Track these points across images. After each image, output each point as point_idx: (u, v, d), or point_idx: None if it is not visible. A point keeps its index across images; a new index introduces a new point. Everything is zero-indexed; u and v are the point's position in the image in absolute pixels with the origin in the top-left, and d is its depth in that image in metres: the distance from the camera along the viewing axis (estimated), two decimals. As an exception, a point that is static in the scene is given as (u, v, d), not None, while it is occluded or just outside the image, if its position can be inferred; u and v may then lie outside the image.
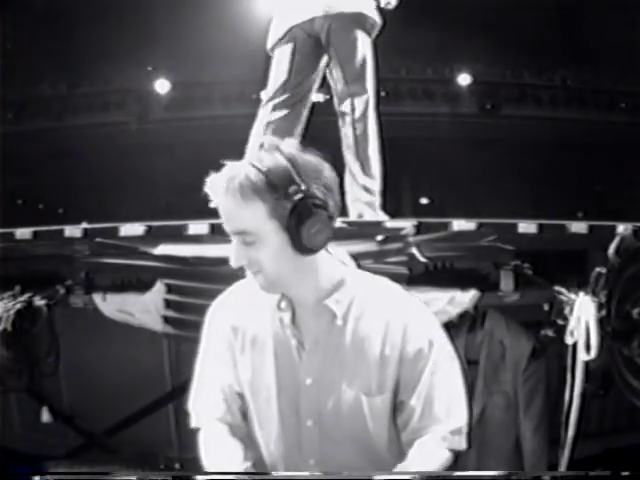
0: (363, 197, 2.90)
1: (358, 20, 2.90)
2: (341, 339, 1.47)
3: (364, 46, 2.93)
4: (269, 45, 2.98)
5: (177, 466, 3.24)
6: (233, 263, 1.41)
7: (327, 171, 1.41)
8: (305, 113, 3.00)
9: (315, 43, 2.93)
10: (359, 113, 2.93)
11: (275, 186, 1.34)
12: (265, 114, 2.96)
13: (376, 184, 2.94)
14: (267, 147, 1.39)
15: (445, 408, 1.50)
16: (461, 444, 1.51)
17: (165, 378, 3.38)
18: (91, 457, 3.29)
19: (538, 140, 6.53)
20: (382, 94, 6.74)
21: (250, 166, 1.35)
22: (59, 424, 3.22)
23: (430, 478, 1.44)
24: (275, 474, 1.53)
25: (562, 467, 2.46)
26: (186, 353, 3.31)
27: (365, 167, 2.92)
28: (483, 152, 6.41)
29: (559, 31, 6.08)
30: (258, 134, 2.93)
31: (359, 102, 2.93)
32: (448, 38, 6.06)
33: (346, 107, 2.93)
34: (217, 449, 1.52)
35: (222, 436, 1.53)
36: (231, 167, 1.37)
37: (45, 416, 3.05)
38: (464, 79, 6.98)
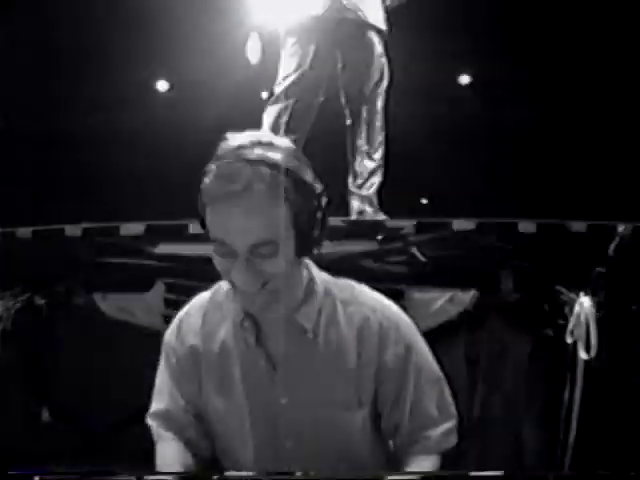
0: (364, 191, 2.91)
1: (373, 27, 2.92)
2: (313, 353, 1.37)
3: (380, 50, 2.94)
4: (282, 33, 2.98)
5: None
6: (251, 286, 1.22)
7: None
8: (314, 112, 3.01)
9: (330, 45, 2.94)
10: (369, 114, 2.95)
11: (301, 183, 1.21)
12: (275, 111, 2.97)
13: (377, 177, 2.95)
14: (273, 144, 1.24)
15: (434, 410, 1.46)
16: (453, 442, 1.50)
17: (165, 378, 3.38)
18: (91, 457, 3.28)
19: (538, 140, 6.53)
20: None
21: (265, 166, 1.18)
22: (59, 424, 3.21)
23: (430, 478, 1.44)
24: (272, 474, 1.50)
25: (562, 467, 2.46)
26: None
27: (369, 157, 2.92)
28: (483, 152, 6.41)
29: (559, 31, 6.08)
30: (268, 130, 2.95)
31: (372, 105, 2.95)
32: (448, 38, 6.06)
33: (357, 108, 2.95)
34: (165, 452, 1.44)
35: (174, 445, 1.44)
36: (239, 169, 1.18)
37: (45, 415, 3.05)
38: (464, 79, 6.98)
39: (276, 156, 1.20)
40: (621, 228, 2.54)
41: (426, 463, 1.46)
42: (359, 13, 2.87)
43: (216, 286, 1.48)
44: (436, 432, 1.46)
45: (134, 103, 7.06)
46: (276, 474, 1.46)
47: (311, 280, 1.38)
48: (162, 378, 1.48)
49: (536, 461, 2.87)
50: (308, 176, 1.24)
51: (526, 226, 2.61)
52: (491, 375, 2.90)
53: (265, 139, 1.24)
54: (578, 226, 2.64)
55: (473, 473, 1.52)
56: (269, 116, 2.98)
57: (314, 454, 1.40)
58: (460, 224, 2.61)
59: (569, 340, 2.41)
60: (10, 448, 3.00)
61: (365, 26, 2.91)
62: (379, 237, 2.59)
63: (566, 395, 2.44)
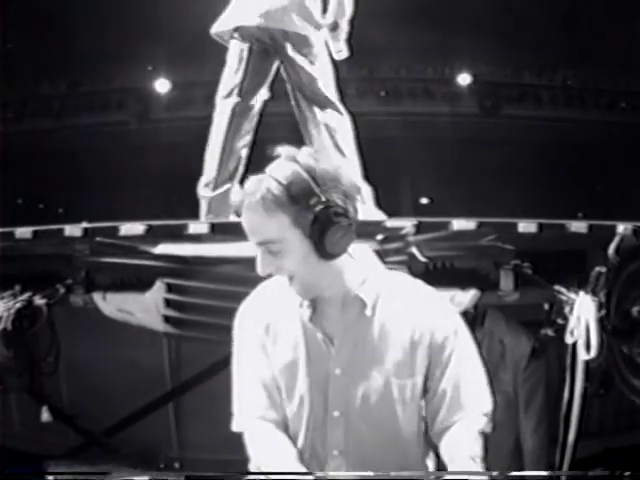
0: None
1: (308, 40, 2.93)
2: (370, 329, 1.51)
3: (320, 59, 2.95)
4: (214, 30, 3.00)
5: (177, 466, 3.24)
6: (260, 272, 1.45)
7: (345, 178, 1.44)
8: (257, 114, 3.01)
9: (268, 53, 2.96)
10: (325, 115, 2.95)
11: (296, 198, 1.38)
12: (221, 113, 2.97)
13: None
14: (285, 157, 1.42)
15: (473, 394, 1.55)
16: (489, 426, 1.56)
17: (165, 378, 3.38)
18: (91, 456, 3.28)
19: (538, 140, 6.53)
20: (382, 94, 6.76)
21: (271, 179, 1.39)
22: (59, 423, 3.21)
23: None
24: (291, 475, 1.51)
25: (562, 467, 2.46)
26: (186, 352, 3.34)
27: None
28: (483, 152, 6.40)
29: (559, 31, 6.08)
30: (216, 133, 2.94)
31: (325, 105, 2.95)
32: (448, 38, 6.05)
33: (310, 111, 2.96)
34: (267, 448, 1.53)
35: (269, 434, 1.54)
36: (252, 182, 1.42)
37: (45, 415, 3.05)
38: (464, 79, 6.97)
39: (279, 173, 1.40)
40: (621, 228, 2.54)
41: (467, 436, 1.51)
42: (284, 22, 2.90)
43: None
44: (474, 413, 1.54)
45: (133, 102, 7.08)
46: (281, 474, 1.49)
47: (366, 274, 1.54)
48: (239, 365, 1.59)
49: (536, 460, 2.87)
50: (306, 190, 1.39)
51: (526, 226, 2.60)
52: (491, 375, 2.90)
53: (285, 154, 1.43)
54: (578, 226, 2.64)
55: (473, 473, 1.53)
56: (219, 116, 3.00)
57: (358, 427, 1.51)
58: (460, 224, 2.61)
59: (569, 340, 2.40)
60: (10, 448, 3.01)
61: (292, 35, 2.93)
62: (379, 237, 2.59)
63: (566, 395, 2.44)
